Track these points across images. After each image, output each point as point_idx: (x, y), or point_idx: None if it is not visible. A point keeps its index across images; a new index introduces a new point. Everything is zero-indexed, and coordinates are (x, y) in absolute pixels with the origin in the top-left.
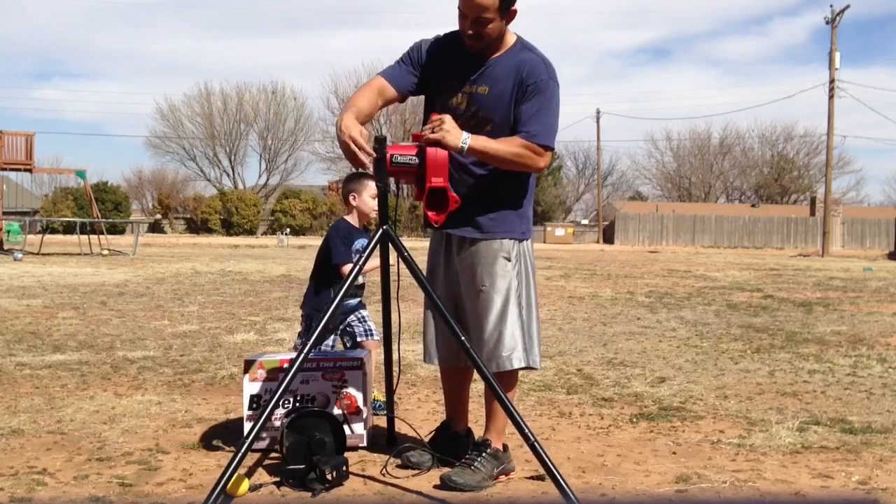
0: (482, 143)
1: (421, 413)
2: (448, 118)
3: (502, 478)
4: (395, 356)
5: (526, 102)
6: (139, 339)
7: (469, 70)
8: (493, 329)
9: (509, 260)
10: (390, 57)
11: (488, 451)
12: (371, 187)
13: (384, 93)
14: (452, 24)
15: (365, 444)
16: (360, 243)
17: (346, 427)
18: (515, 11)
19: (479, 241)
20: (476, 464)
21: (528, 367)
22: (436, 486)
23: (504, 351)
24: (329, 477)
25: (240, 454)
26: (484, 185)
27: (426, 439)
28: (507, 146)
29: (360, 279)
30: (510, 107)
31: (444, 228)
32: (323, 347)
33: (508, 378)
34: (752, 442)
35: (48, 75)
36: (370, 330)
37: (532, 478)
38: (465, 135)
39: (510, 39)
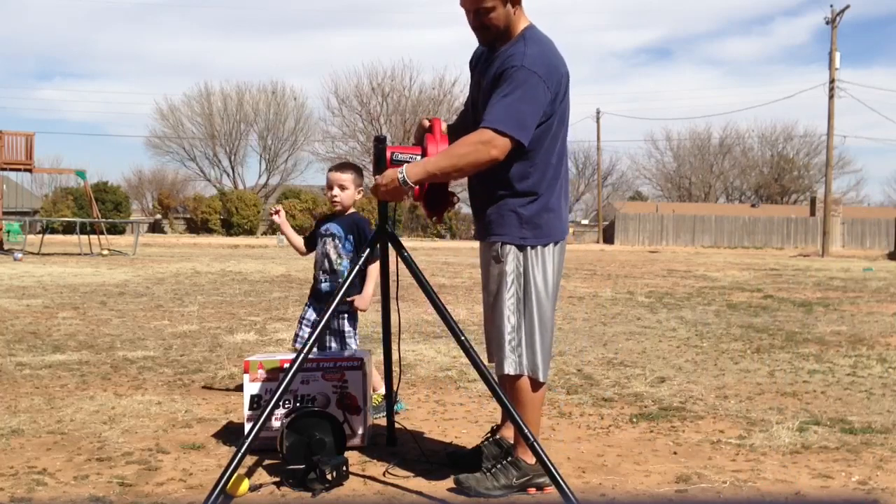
0: (421, 167)
1: (421, 413)
2: (379, 178)
3: (532, 491)
4: (395, 356)
5: (493, 92)
6: (139, 339)
7: (484, 63)
8: (486, 330)
9: (499, 262)
10: (390, 57)
11: (508, 459)
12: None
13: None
14: (452, 26)
15: (365, 444)
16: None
17: (346, 427)
18: None
19: (483, 242)
20: (493, 470)
21: (525, 376)
22: (435, 486)
23: (492, 354)
24: (329, 477)
25: (240, 454)
26: (485, 189)
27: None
28: (449, 156)
29: (336, 263)
30: (490, 97)
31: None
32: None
33: (510, 383)
34: (752, 442)
35: (49, 75)
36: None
37: None
38: (400, 174)
39: (519, 28)
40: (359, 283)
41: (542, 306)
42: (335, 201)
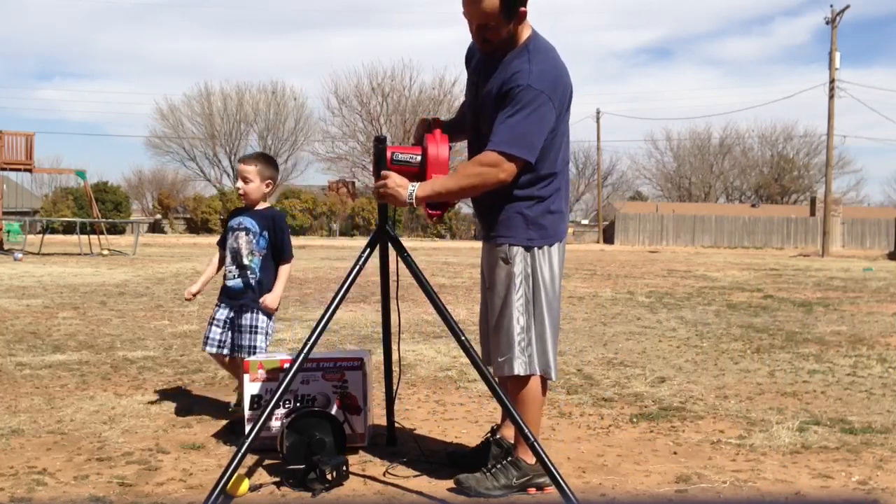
0: (429, 186)
1: (421, 413)
2: (391, 176)
3: (532, 491)
4: (395, 356)
5: (501, 110)
6: (139, 339)
7: (483, 67)
8: (493, 332)
9: (507, 263)
10: (390, 57)
11: (508, 459)
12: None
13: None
14: (452, 26)
15: (365, 444)
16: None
17: (346, 427)
18: (524, 12)
19: (487, 244)
20: (493, 470)
21: (535, 376)
22: (435, 486)
23: (499, 356)
24: (329, 477)
25: (240, 454)
26: (490, 193)
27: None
28: (457, 177)
29: (246, 258)
30: (493, 111)
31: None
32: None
33: (516, 383)
34: (752, 442)
35: (49, 75)
36: (254, 347)
37: None
38: (410, 188)
39: (521, 38)
40: (270, 283)
41: (551, 305)
42: (241, 194)
